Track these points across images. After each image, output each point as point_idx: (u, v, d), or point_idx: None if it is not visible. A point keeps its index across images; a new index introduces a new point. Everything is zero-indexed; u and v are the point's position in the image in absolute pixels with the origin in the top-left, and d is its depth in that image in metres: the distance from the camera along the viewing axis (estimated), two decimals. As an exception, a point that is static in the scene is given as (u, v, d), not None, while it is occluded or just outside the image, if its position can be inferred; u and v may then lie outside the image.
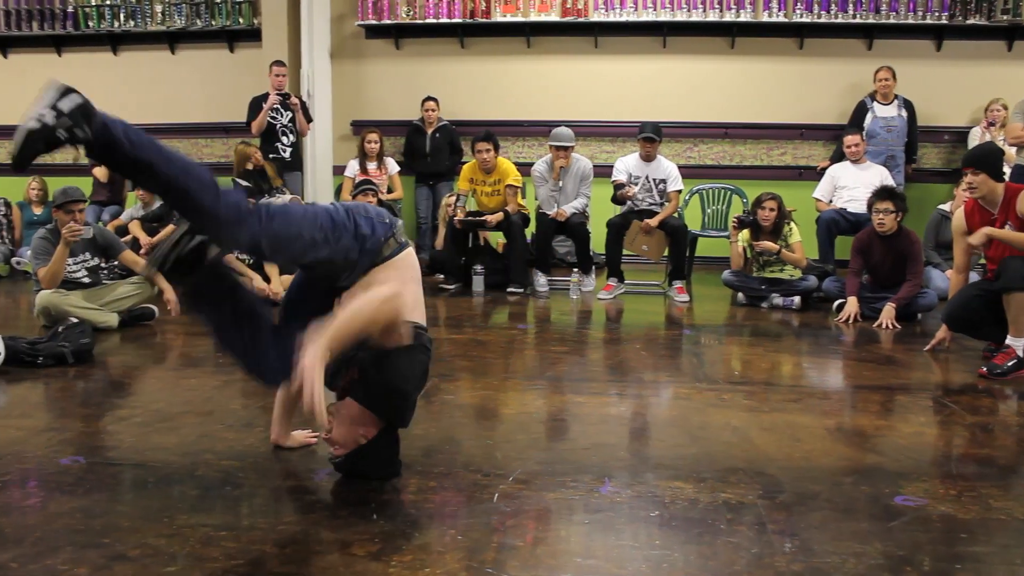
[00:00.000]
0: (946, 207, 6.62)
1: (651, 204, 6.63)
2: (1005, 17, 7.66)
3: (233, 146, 7.63)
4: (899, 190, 5.51)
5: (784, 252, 6.00)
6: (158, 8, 8.82)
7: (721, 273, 6.39)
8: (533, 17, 8.27)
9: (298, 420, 2.86)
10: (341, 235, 2.45)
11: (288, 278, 5.98)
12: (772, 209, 5.97)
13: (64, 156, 8.70)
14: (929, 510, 2.40)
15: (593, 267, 6.91)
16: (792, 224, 6.11)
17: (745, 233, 6.15)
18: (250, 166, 7.17)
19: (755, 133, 8.24)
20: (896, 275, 5.49)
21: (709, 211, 7.67)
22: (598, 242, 6.85)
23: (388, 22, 8.41)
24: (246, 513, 2.33)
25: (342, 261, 2.48)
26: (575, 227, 6.70)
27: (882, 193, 5.51)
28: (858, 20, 7.86)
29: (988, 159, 4.25)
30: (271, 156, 7.49)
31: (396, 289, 2.39)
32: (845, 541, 2.18)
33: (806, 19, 7.89)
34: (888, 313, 5.32)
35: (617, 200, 6.57)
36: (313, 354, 2.18)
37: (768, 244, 5.99)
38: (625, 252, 6.58)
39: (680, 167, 6.84)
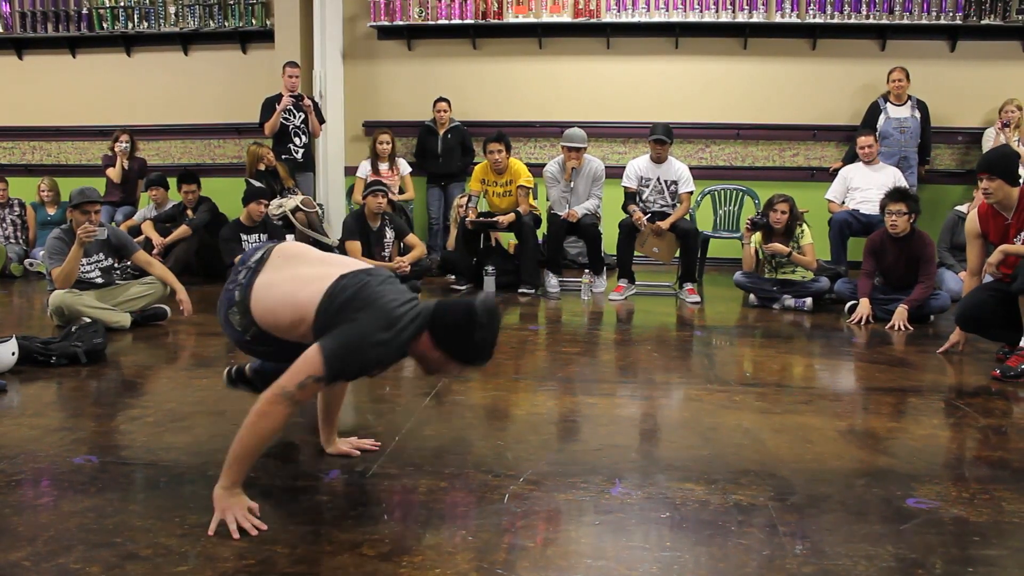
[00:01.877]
0: (963, 208, 6.57)
1: (663, 206, 6.62)
2: (1020, 17, 7.61)
3: (246, 147, 7.66)
4: (912, 191, 5.48)
5: (795, 255, 5.97)
6: (171, 9, 8.85)
7: (732, 274, 6.38)
8: (545, 18, 8.26)
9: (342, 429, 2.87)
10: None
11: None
12: (784, 212, 5.95)
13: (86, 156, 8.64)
14: (941, 513, 2.39)
15: (604, 268, 6.90)
16: (804, 226, 6.08)
17: (757, 235, 6.13)
18: (262, 167, 7.21)
19: (767, 134, 8.21)
20: (909, 277, 5.46)
21: (721, 212, 7.64)
22: (609, 243, 6.84)
23: (400, 23, 8.42)
24: (257, 513, 2.34)
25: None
26: (587, 228, 6.69)
27: (895, 194, 5.48)
28: (871, 21, 7.81)
29: (1003, 163, 4.21)
30: (283, 157, 7.52)
31: (272, 402, 2.20)
32: (857, 544, 2.17)
33: (819, 20, 7.85)
34: (900, 315, 5.29)
35: (628, 212, 6.57)
36: (218, 495, 2.26)
37: (779, 247, 5.97)
38: (636, 253, 6.57)
39: (692, 168, 6.83)
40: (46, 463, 2.72)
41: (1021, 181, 4.27)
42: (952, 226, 6.61)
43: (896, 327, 5.26)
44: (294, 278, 2.46)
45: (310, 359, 2.21)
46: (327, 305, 2.32)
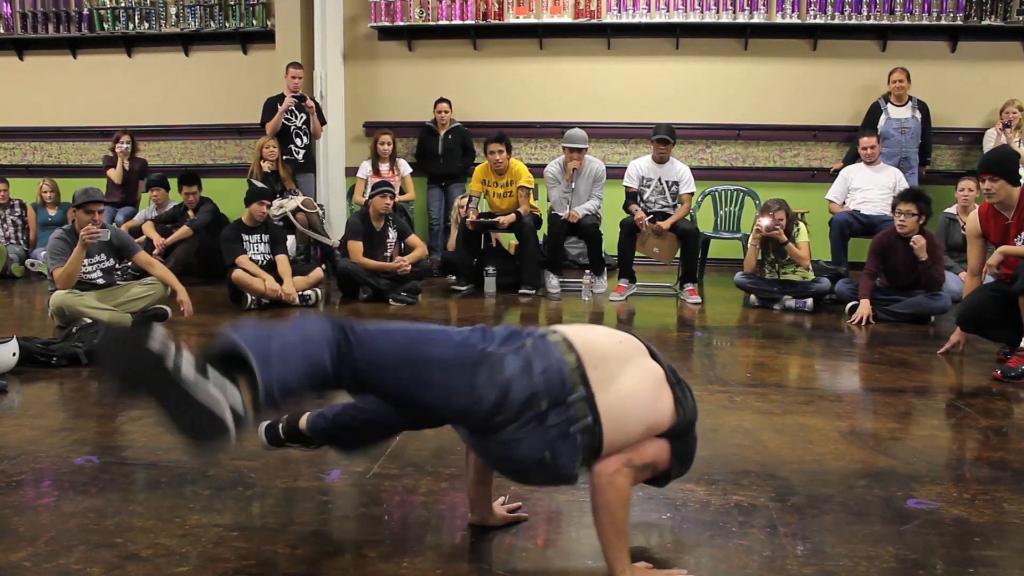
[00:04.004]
0: (952, 210, 6.59)
1: (663, 206, 6.62)
2: (1021, 18, 7.61)
3: (246, 147, 7.67)
4: (925, 193, 5.47)
5: (789, 245, 5.95)
6: (172, 10, 8.86)
7: (733, 275, 6.37)
8: (546, 19, 8.26)
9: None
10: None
11: (301, 279, 6.01)
12: (781, 218, 5.93)
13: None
14: (942, 513, 2.39)
15: (605, 269, 6.90)
16: (801, 224, 6.07)
17: (753, 230, 6.12)
18: (265, 166, 7.19)
19: (768, 134, 8.21)
20: (913, 277, 5.46)
21: (721, 213, 7.64)
22: (610, 244, 6.84)
23: (401, 24, 8.43)
24: (258, 514, 2.34)
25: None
26: (587, 229, 6.69)
27: (907, 195, 5.47)
28: (872, 21, 7.82)
29: (1004, 164, 4.22)
30: (284, 158, 7.51)
31: (622, 475, 1.93)
32: (857, 544, 2.17)
33: (819, 20, 7.85)
34: (919, 239, 5.33)
35: (629, 212, 6.56)
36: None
37: (778, 233, 5.92)
38: (637, 254, 6.57)
39: (692, 168, 6.83)
40: (47, 464, 2.72)
41: (1022, 181, 4.27)
42: (944, 229, 6.62)
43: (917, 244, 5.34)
44: (633, 382, 1.99)
45: (663, 451, 1.99)
46: (682, 418, 2.02)
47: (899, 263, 5.53)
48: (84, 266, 5.00)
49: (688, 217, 6.75)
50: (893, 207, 5.54)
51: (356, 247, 6.17)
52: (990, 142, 7.26)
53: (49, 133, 9.22)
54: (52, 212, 8.11)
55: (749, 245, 6.21)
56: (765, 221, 5.89)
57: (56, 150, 9.29)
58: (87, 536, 2.16)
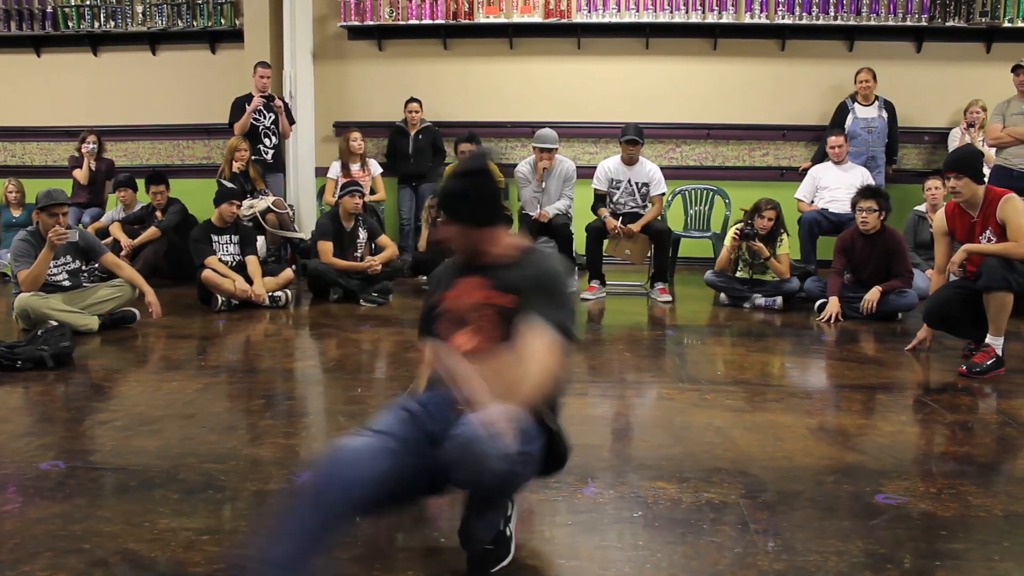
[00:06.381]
0: (922, 208, 6.67)
1: (633, 207, 6.63)
2: (983, 19, 7.72)
3: (215, 148, 7.59)
4: (883, 189, 5.56)
5: (772, 260, 5.97)
6: (139, 8, 8.75)
7: (703, 274, 6.41)
8: (516, 18, 8.25)
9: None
10: None
11: (271, 280, 5.96)
12: (771, 219, 5.95)
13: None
14: (909, 508, 2.42)
15: (576, 268, 6.91)
16: (784, 235, 6.07)
17: (732, 233, 6.14)
18: (237, 166, 7.13)
19: (737, 134, 8.26)
20: (879, 274, 5.53)
21: (691, 212, 7.68)
22: (581, 243, 6.85)
23: (371, 23, 8.38)
24: (228, 517, 2.32)
25: None
26: (558, 228, 6.68)
27: (866, 192, 5.54)
28: (839, 22, 7.89)
29: (969, 162, 4.28)
30: (253, 158, 7.45)
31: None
32: (827, 539, 2.19)
33: (788, 21, 7.91)
34: (873, 294, 5.36)
35: (597, 215, 6.55)
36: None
37: (761, 246, 5.95)
38: (605, 254, 6.57)
39: (662, 168, 6.84)
40: (12, 469, 2.68)
41: (985, 180, 4.34)
42: (913, 226, 6.69)
43: (866, 309, 5.34)
44: None
45: None
46: None
47: (863, 261, 5.59)
48: (50, 268, 4.93)
49: (659, 217, 6.76)
50: (853, 206, 5.60)
51: (326, 247, 6.14)
52: (955, 141, 7.35)
53: (13, 133, 9.07)
54: (16, 213, 7.98)
55: (725, 245, 6.19)
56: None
57: (20, 150, 9.14)
58: (53, 542, 2.13)
